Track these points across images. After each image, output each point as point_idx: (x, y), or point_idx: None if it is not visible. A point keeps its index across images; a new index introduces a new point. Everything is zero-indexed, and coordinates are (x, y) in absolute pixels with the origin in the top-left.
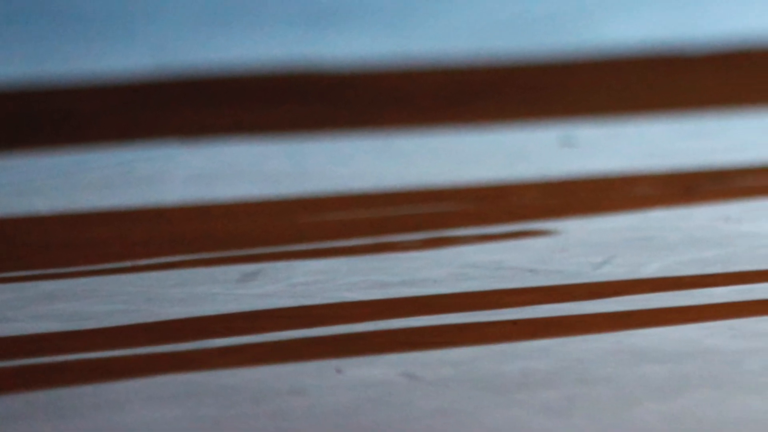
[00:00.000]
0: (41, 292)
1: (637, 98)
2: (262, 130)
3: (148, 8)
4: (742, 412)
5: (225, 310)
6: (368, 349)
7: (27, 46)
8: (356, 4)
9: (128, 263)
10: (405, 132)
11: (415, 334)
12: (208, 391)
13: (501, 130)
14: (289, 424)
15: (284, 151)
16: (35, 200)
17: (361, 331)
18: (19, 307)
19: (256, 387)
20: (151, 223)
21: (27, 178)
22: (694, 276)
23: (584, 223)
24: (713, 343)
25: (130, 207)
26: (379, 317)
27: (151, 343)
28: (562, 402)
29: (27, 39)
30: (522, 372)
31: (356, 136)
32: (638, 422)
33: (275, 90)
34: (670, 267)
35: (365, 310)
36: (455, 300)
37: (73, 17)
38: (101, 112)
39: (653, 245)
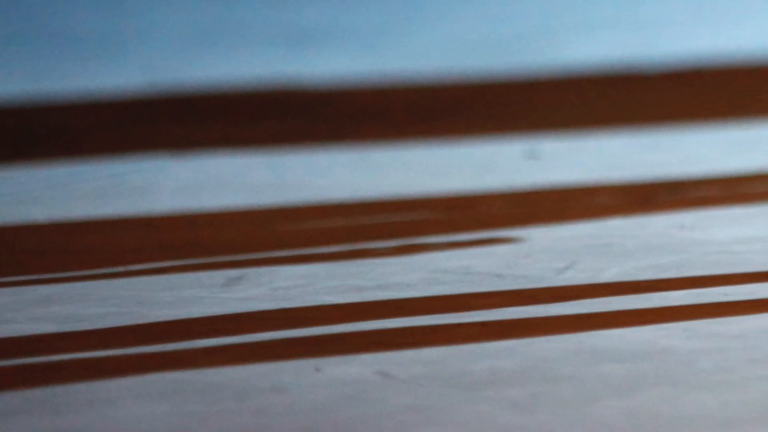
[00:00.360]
0: (38, 296)
1: (598, 114)
2: (245, 144)
3: (138, 29)
4: (696, 409)
5: (210, 312)
6: (345, 349)
7: (25, 65)
8: (333, 25)
9: (120, 269)
10: (379, 145)
11: (388, 335)
12: (194, 389)
13: (469, 143)
14: (270, 419)
15: (266, 163)
16: (33, 209)
17: (338, 332)
18: (17, 309)
19: (239, 385)
20: (141, 231)
21: (25, 188)
22: (650, 281)
23: (548, 231)
24: (668, 344)
25: (121, 216)
26: (355, 319)
27: (141, 344)
28: (527, 398)
29: (25, 58)
30: (489, 370)
31: (334, 149)
32: (598, 418)
33: (258, 106)
34: (628, 272)
35: (342, 313)
36: (426, 303)
37: (68, 38)
38: (95, 127)
39: (612, 252)
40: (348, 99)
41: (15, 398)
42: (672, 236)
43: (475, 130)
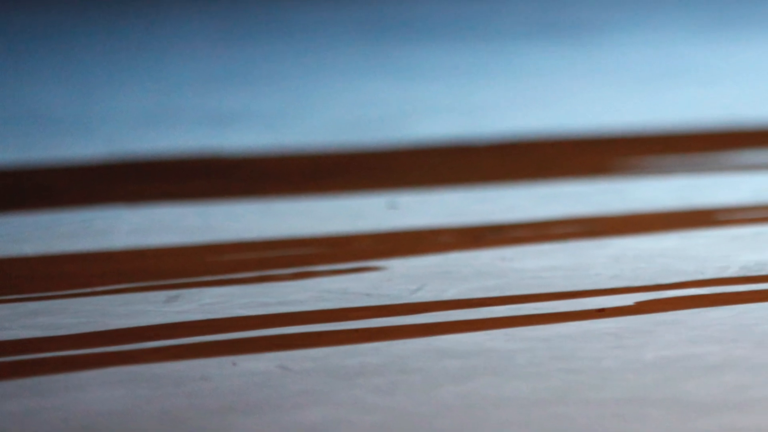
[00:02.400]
0: (28, 310)
1: (440, 175)
2: (180, 197)
3: (102, 113)
4: (513, 393)
5: (155, 322)
6: (254, 349)
7: (18, 139)
8: (245, 110)
9: (88, 290)
10: (279, 199)
11: (286, 339)
12: (142, 378)
13: (346, 197)
14: (199, 400)
15: (195, 212)
16: (24, 246)
17: (250, 336)
18: (12, 320)
19: (176, 375)
20: (103, 262)
21: (18, 230)
22: (480, 298)
23: (404, 261)
24: (493, 345)
25: (89, 251)
26: (262, 327)
27: (103, 345)
28: (388, 385)
29: (18, 134)
30: (360, 365)
31: (246, 201)
32: (440, 399)
33: (189, 169)
34: (463, 292)
35: (253, 322)
36: (314, 315)
37: (49, 119)
38: (69, 185)
39: (452, 277)
40: (256, 164)
41: (9, 386)
42: (496, 266)
43: (350, 187)
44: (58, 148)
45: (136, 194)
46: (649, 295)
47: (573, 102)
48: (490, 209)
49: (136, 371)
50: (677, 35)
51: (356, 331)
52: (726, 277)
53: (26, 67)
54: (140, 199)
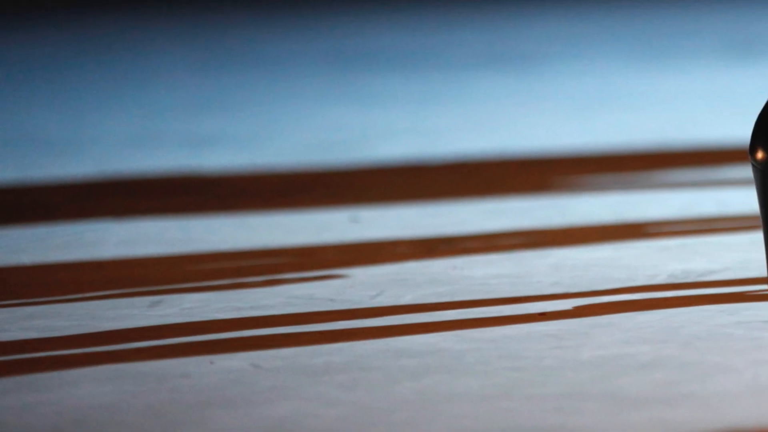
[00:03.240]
0: (26, 314)
1: (398, 192)
2: (163, 212)
3: (92, 136)
4: (463, 389)
5: (140, 324)
6: (230, 349)
7: (16, 160)
8: (222, 133)
9: (80, 295)
10: (253, 213)
11: (258, 340)
12: (129, 375)
13: (313, 212)
14: (180, 395)
15: (177, 225)
16: (22, 256)
17: (226, 337)
18: (11, 322)
19: (159, 372)
20: (94, 271)
21: (16, 242)
22: (433, 303)
23: (365, 270)
24: (445, 345)
25: (81, 260)
26: (236, 329)
27: (93, 346)
28: (350, 382)
29: (16, 155)
30: (325, 363)
31: (222, 216)
32: (397, 394)
33: (172, 187)
34: (418, 298)
35: (228, 325)
36: (284, 319)
37: (45, 141)
38: (63, 201)
39: (408, 284)
40: (231, 182)
41: (9, 382)
42: (447, 274)
43: (316, 203)
44: (53, 168)
45: (123, 209)
46: (586, 300)
47: (517, 126)
48: (443, 223)
49: (122, 369)
50: (611, 66)
51: (321, 332)
52: (655, 284)
53: (24, 95)
54: (127, 214)
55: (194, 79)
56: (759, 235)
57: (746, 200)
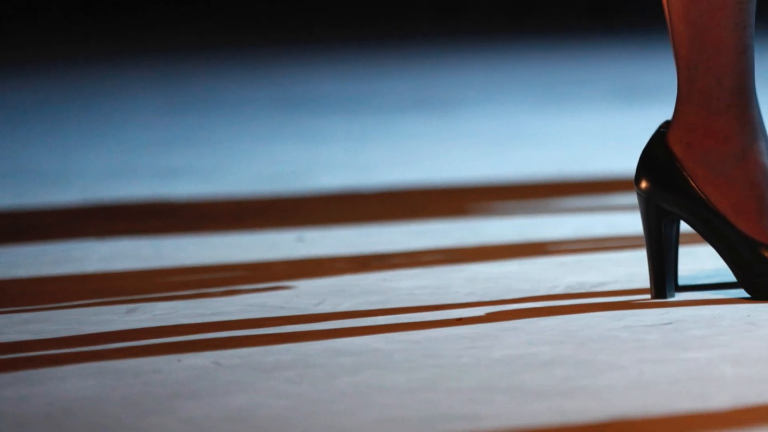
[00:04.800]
0: (21, 319)
1: (337, 216)
2: (138, 233)
3: (77, 168)
4: (392, 383)
5: (118, 328)
6: (195, 349)
7: (11, 188)
8: (187, 166)
9: (67, 303)
10: (214, 234)
11: (219, 341)
12: (109, 371)
13: (265, 233)
14: (152, 388)
15: (150, 244)
16: (18, 270)
17: (191, 339)
18: (8, 327)
19: (135, 369)
20: (79, 282)
21: (13, 259)
22: (367, 310)
23: (309, 282)
24: (377, 346)
25: (68, 273)
26: (200, 332)
27: (79, 346)
28: (297, 377)
29: (10, 185)
30: (275, 361)
31: (188, 236)
32: (337, 387)
33: (145, 211)
34: (354, 306)
35: (193, 328)
36: (240, 323)
37: (35, 172)
38: (53, 223)
39: (345, 294)
40: (195, 207)
41: (7, 377)
42: (379, 285)
43: (268, 225)
44: (44, 195)
45: (104, 230)
46: (496, 307)
47: (438, 159)
48: (375, 242)
49: (103, 366)
50: (518, 108)
51: (272, 335)
52: (554, 294)
53: (20, 134)
54: (107, 234)
55: (163, 120)
56: (643, 253)
57: (632, 223)
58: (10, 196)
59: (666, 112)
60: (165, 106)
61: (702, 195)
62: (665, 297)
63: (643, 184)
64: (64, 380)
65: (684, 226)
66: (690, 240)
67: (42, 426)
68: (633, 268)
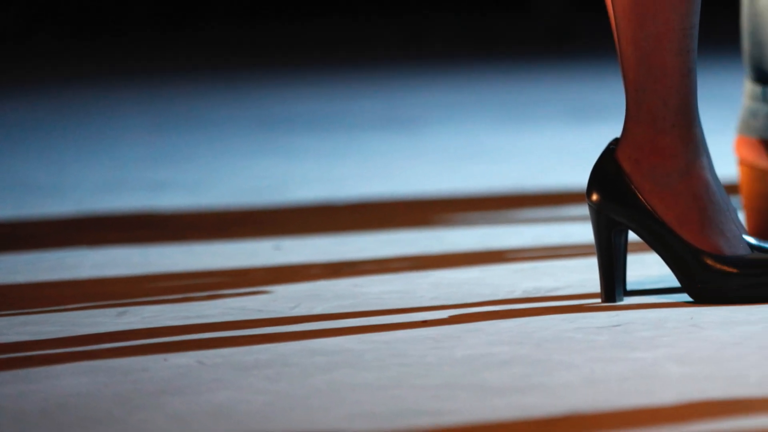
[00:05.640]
0: (19, 321)
1: (312, 226)
2: (127, 242)
3: (72, 182)
4: (363, 380)
5: (110, 330)
6: (180, 349)
7: (9, 201)
8: (172, 180)
9: (62, 307)
10: (198, 243)
11: (202, 341)
12: (101, 370)
13: (245, 242)
14: (141, 385)
15: (139, 252)
16: (16, 276)
17: (177, 340)
18: (9, 328)
19: (125, 367)
20: (73, 287)
21: (12, 266)
22: (340, 313)
23: (286, 287)
24: (349, 346)
25: (64, 279)
26: (185, 333)
27: (74, 346)
28: (274, 375)
29: (12, 197)
30: (255, 360)
31: (174, 245)
32: (312, 384)
33: (134, 222)
34: (328, 309)
35: (178, 330)
36: (222, 325)
37: (32, 186)
38: (49, 233)
39: (320, 298)
40: (181, 218)
41: (7, 375)
42: (351, 290)
43: (247, 235)
44: (41, 207)
45: (97, 240)
46: (459, 310)
47: (405, 174)
48: (346, 250)
49: (96, 365)
50: (478, 126)
51: (252, 336)
52: (512, 298)
53: (19, 150)
54: (99, 243)
55: (151, 137)
56: (594, 261)
57: (584, 233)
58: (10, 207)
59: (615, 130)
60: (152, 124)
61: (649, 207)
62: (614, 301)
63: (594, 197)
64: (59, 378)
65: (632, 236)
66: (637, 248)
67: (39, 420)
68: (585, 275)
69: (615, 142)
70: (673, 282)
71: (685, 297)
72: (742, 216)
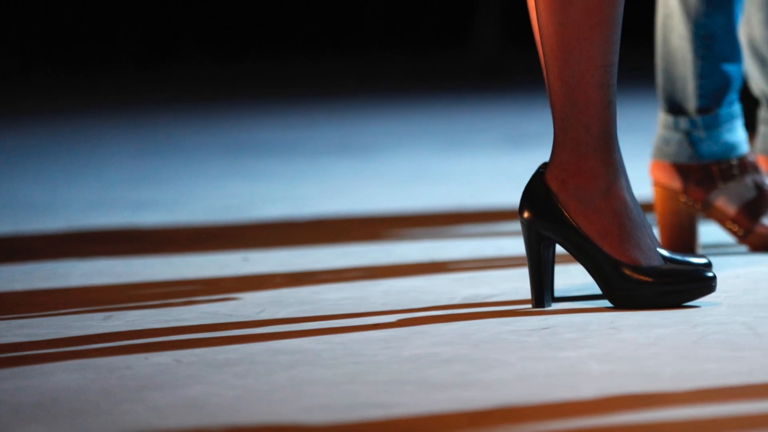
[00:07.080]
0: (18, 324)
1: (275, 240)
2: (113, 254)
3: (64, 201)
4: (320, 376)
5: (97, 332)
6: (160, 348)
7: (9, 218)
8: (153, 200)
9: (55, 312)
10: (175, 255)
11: (179, 342)
12: (89, 367)
13: (217, 254)
14: (125, 381)
15: (123, 263)
16: (15, 284)
17: (156, 341)
18: (8, 330)
19: (110, 365)
20: (63, 295)
21: (10, 275)
22: (301, 317)
23: (253, 294)
24: (309, 346)
25: (56, 287)
26: (164, 335)
27: (65, 347)
28: (243, 372)
29: (10, 214)
30: (225, 358)
31: (154, 256)
32: (275, 381)
33: (119, 236)
34: (290, 313)
35: (158, 332)
36: (197, 327)
37: (27, 205)
38: (44, 246)
39: (283, 304)
40: (160, 233)
41: (6, 372)
42: (310, 297)
43: (219, 248)
44: (36, 223)
45: (85, 252)
46: (406, 315)
47: (359, 194)
48: (307, 261)
49: (85, 363)
50: (423, 152)
51: (223, 337)
52: (453, 303)
53: (16, 173)
54: (88, 255)
55: (134, 161)
56: (525, 271)
57: (517, 246)
58: (8, 223)
59: (544, 155)
60: (135, 150)
61: (574, 223)
62: (544, 306)
63: (526, 214)
64: (52, 374)
65: (559, 249)
66: (564, 260)
67: (34, 412)
68: (517, 283)
69: (544, 166)
70: (596, 290)
71: (606, 303)
72: (656, 231)
